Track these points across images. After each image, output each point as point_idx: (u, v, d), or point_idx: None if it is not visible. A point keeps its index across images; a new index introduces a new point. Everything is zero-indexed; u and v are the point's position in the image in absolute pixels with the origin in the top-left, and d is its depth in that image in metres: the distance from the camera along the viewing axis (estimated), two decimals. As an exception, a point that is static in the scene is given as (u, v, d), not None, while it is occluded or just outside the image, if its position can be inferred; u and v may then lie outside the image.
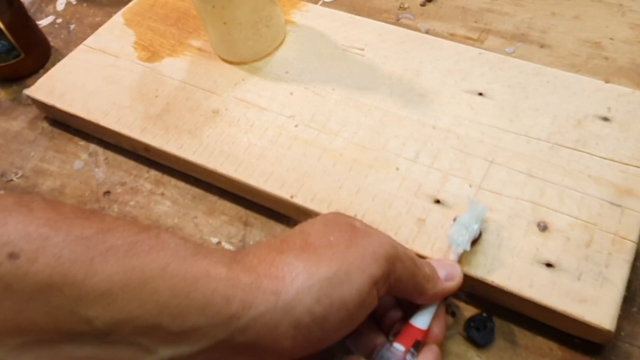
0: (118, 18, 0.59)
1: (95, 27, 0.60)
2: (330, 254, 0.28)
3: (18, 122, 0.55)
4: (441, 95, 0.47)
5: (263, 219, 0.45)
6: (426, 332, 0.33)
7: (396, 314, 0.34)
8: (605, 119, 0.44)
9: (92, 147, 0.52)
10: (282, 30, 0.53)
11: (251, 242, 0.44)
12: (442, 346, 0.35)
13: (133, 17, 0.59)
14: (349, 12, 0.56)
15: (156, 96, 0.51)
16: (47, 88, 0.53)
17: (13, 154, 0.53)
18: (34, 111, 0.56)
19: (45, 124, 0.55)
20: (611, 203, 0.39)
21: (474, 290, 0.38)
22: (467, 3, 0.59)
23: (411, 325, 0.32)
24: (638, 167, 0.40)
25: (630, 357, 0.36)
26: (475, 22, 0.57)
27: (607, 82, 0.46)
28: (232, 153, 0.45)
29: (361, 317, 0.29)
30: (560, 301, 0.35)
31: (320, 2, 0.61)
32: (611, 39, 0.53)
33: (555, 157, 0.42)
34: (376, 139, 0.45)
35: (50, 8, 0.67)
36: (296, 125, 0.47)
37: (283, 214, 0.44)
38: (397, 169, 0.43)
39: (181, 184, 0.48)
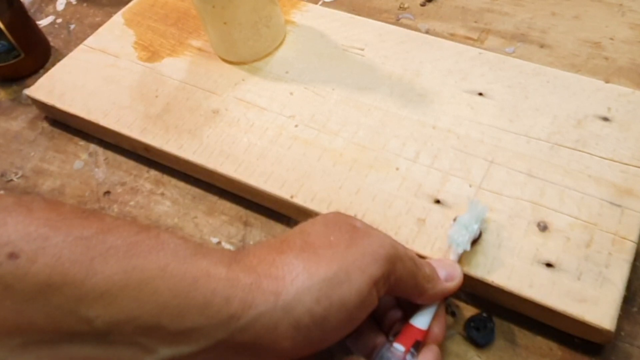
0: (118, 18, 0.59)
1: (95, 27, 0.60)
2: (331, 254, 0.28)
3: (18, 122, 0.55)
4: (441, 95, 0.47)
5: (263, 219, 0.45)
6: (426, 332, 0.33)
7: (396, 314, 0.34)
8: (605, 119, 0.44)
9: (92, 147, 0.52)
10: (282, 30, 0.53)
11: (251, 242, 0.44)
12: (442, 346, 0.35)
13: (133, 17, 0.59)
14: (349, 12, 0.56)
15: (156, 96, 0.51)
16: (47, 88, 0.53)
17: (13, 154, 0.53)
18: (34, 111, 0.56)
19: (45, 124, 0.55)
20: (611, 203, 0.39)
21: (474, 290, 0.38)
22: (467, 3, 0.59)
23: (411, 325, 0.32)
24: (638, 167, 0.40)
25: (630, 357, 0.36)
26: (475, 22, 0.57)
27: (607, 82, 0.46)
28: (232, 153, 0.45)
29: (361, 318, 0.29)
30: (560, 301, 0.35)
31: (320, 2, 0.61)
32: (611, 39, 0.53)
33: (555, 157, 0.42)
34: (376, 139, 0.45)
35: (50, 8, 0.67)
36: (296, 125, 0.47)
37: (283, 214, 0.44)
38: (397, 169, 0.43)
39: (181, 184, 0.48)
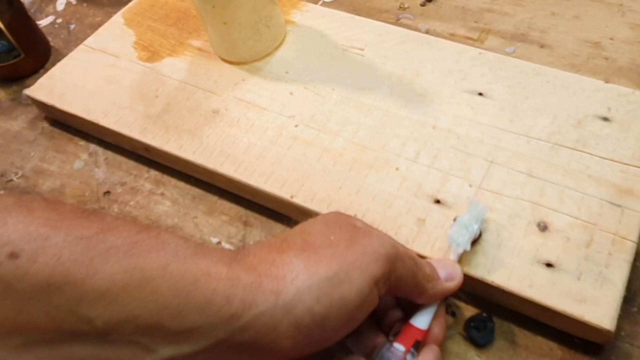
0: (118, 18, 0.59)
1: (95, 27, 0.60)
2: (331, 254, 0.28)
3: (18, 122, 0.55)
4: (441, 95, 0.47)
5: (263, 219, 0.45)
6: (426, 332, 0.33)
7: (396, 314, 0.34)
8: (605, 119, 0.44)
9: (92, 147, 0.52)
10: (282, 30, 0.53)
11: (251, 242, 0.44)
12: (442, 346, 0.35)
13: (133, 17, 0.59)
14: (349, 12, 0.56)
15: (156, 96, 0.51)
16: (47, 88, 0.53)
17: (13, 154, 0.53)
18: (34, 111, 0.56)
19: (45, 124, 0.55)
20: (611, 203, 0.39)
21: (474, 290, 0.38)
22: (467, 3, 0.59)
23: (411, 325, 0.32)
24: (638, 167, 0.40)
25: (630, 357, 0.36)
26: (475, 22, 0.57)
27: (607, 82, 0.46)
28: (232, 153, 0.45)
29: (361, 317, 0.29)
30: (560, 301, 0.35)
31: (320, 2, 0.61)
32: (611, 39, 0.53)
33: (555, 157, 0.42)
34: (376, 139, 0.45)
35: (50, 8, 0.67)
36: (296, 125, 0.47)
37: (283, 214, 0.44)
38: (397, 169, 0.43)
39: (181, 184, 0.48)
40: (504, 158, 0.42)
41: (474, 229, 0.36)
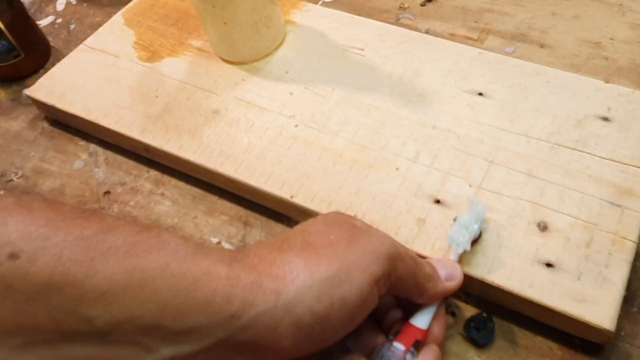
0: (118, 18, 0.59)
1: (95, 27, 0.60)
2: (331, 253, 0.28)
3: (18, 122, 0.55)
4: (441, 95, 0.47)
5: (263, 219, 0.45)
6: (426, 332, 0.33)
7: (396, 313, 0.34)
8: (605, 119, 0.44)
9: (92, 147, 0.52)
10: (282, 30, 0.53)
11: (251, 242, 0.44)
12: (442, 346, 0.35)
13: (133, 17, 0.59)
14: (349, 12, 0.56)
15: (156, 96, 0.51)
16: (47, 88, 0.53)
17: (13, 154, 0.53)
18: (34, 111, 0.56)
19: (45, 124, 0.55)
20: (611, 203, 0.39)
21: (474, 290, 0.38)
22: (467, 3, 0.59)
23: (411, 325, 0.33)
24: (638, 167, 0.40)
25: (630, 357, 0.36)
26: (475, 22, 0.57)
27: (607, 82, 0.46)
28: (232, 153, 0.45)
29: (362, 317, 0.29)
30: (560, 301, 0.35)
31: (320, 2, 0.61)
32: (611, 39, 0.53)
33: (555, 157, 0.42)
34: (376, 139, 0.45)
35: (50, 8, 0.67)
36: (296, 125, 0.47)
37: (283, 214, 0.44)
38: (397, 169, 0.43)
39: (181, 184, 0.48)
40: (504, 158, 0.42)
41: (474, 229, 0.36)
